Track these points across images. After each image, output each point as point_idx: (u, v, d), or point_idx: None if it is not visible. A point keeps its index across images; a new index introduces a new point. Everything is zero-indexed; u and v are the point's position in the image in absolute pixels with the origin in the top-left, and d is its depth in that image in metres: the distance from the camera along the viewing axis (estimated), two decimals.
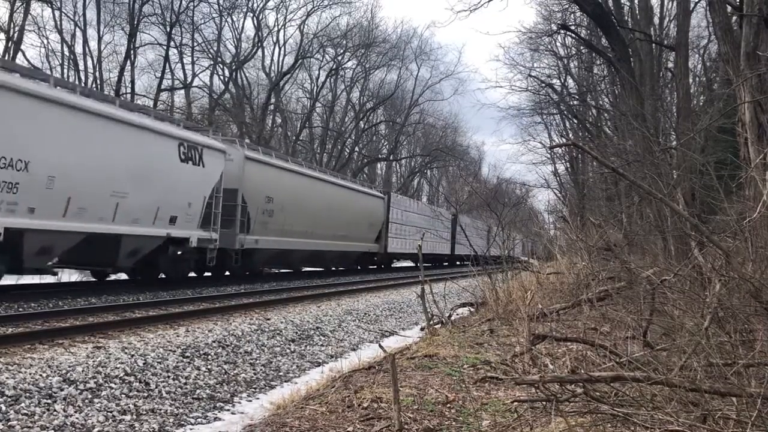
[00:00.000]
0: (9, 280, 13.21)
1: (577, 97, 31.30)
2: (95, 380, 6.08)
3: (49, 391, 5.60)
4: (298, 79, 47.59)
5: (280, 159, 21.59)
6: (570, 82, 32.96)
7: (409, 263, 39.75)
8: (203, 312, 10.82)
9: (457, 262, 43.20)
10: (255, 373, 7.56)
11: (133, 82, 35.23)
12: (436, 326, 9.35)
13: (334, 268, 27.22)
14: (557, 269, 13.90)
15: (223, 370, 7.38)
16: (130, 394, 6.00)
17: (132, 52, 34.70)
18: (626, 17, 21.92)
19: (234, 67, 41.76)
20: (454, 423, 4.34)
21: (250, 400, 6.49)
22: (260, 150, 20.30)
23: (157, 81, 37.39)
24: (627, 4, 23.34)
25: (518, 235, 27.41)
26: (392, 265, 34.83)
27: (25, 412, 5.14)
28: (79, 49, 34.77)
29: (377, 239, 29.50)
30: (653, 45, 19.16)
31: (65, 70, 34.37)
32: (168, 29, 36.33)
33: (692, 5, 19.37)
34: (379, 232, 29.69)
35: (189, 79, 40.10)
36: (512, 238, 18.67)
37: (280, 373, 7.77)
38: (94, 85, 33.42)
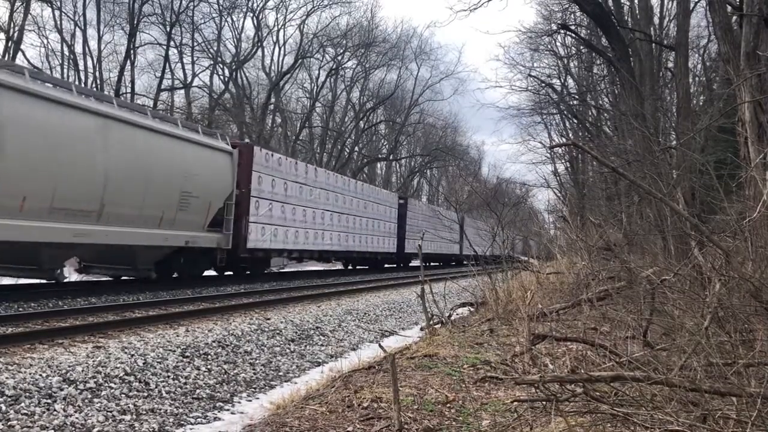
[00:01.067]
0: (9, 279, 13.24)
1: (577, 96, 31.32)
2: (95, 380, 6.08)
3: (49, 391, 5.60)
4: (298, 79, 47.74)
5: None
6: (570, 82, 33.02)
7: (305, 265, 27.15)
8: (203, 312, 10.82)
9: (412, 262, 34.84)
10: (255, 373, 7.56)
11: (133, 81, 35.28)
12: (436, 326, 9.35)
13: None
14: (557, 269, 13.90)
15: (223, 370, 7.38)
16: (130, 393, 6.00)
17: (132, 51, 34.72)
18: (626, 17, 21.94)
19: (234, 67, 41.80)
20: (454, 423, 4.34)
21: (250, 400, 6.48)
22: None
23: (157, 81, 37.48)
24: (627, 4, 23.37)
25: (511, 232, 25.34)
26: (267, 270, 21.00)
27: (25, 411, 5.14)
28: (79, 48, 34.84)
29: (216, 225, 16.25)
30: (653, 45, 19.18)
31: (65, 70, 34.41)
32: (168, 29, 36.38)
33: (692, 5, 19.38)
34: (220, 212, 16.31)
35: (189, 79, 40.16)
36: (510, 238, 18.43)
37: (280, 373, 7.77)
38: (94, 85, 33.46)
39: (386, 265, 32.10)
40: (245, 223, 17.45)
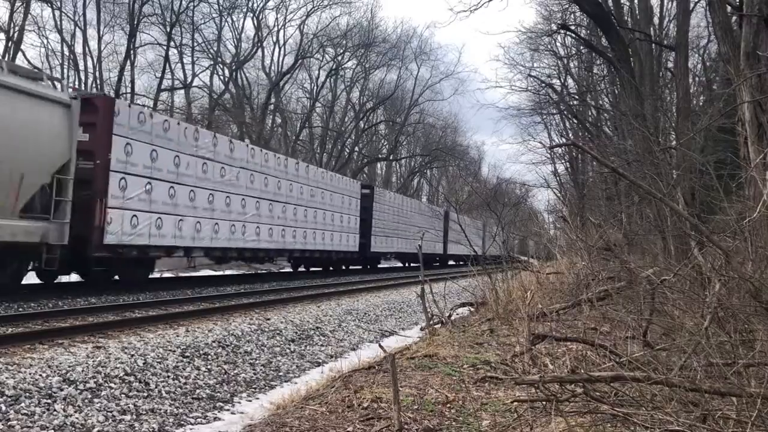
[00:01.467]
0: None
1: (577, 97, 31.29)
2: (95, 380, 6.08)
3: (49, 391, 5.60)
4: (298, 79, 47.68)
5: None
6: (570, 82, 32.97)
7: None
8: (203, 312, 10.82)
9: (382, 263, 30.47)
10: (255, 373, 7.56)
11: (133, 82, 35.27)
12: (436, 326, 9.35)
13: None
14: (557, 269, 13.90)
15: (223, 370, 7.38)
16: (130, 394, 6.00)
17: (132, 52, 34.71)
18: (626, 17, 21.93)
19: (234, 67, 41.76)
20: (454, 423, 4.34)
21: (250, 400, 6.49)
22: None
23: (157, 81, 37.44)
24: (627, 4, 23.37)
25: (510, 232, 23.90)
26: (151, 275, 16.17)
27: (25, 412, 5.14)
28: (79, 49, 34.81)
29: (44, 210, 11.23)
30: (653, 45, 19.17)
31: (65, 70, 34.39)
32: (168, 29, 36.35)
33: (692, 5, 19.39)
34: (44, 190, 11.25)
35: (189, 79, 40.15)
36: (509, 238, 18.28)
37: (280, 373, 7.77)
38: (94, 85, 33.47)
39: (351, 267, 28.09)
40: (101, 208, 12.41)
